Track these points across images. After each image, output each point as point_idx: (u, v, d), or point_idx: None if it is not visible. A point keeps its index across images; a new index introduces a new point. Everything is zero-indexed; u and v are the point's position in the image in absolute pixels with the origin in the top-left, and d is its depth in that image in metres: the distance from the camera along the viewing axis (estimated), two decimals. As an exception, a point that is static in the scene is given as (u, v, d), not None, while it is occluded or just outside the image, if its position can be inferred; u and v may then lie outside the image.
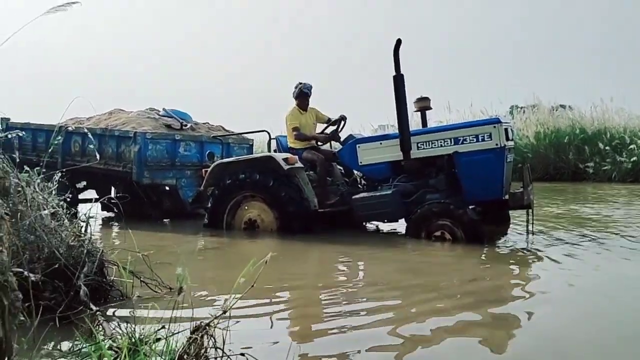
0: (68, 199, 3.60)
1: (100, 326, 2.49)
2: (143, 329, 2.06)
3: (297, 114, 6.55)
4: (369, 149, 5.92)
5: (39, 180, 3.41)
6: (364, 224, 6.49)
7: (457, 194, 5.44)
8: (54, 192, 3.50)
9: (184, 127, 8.32)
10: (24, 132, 7.78)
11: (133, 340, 1.95)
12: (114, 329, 2.40)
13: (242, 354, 1.98)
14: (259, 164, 6.20)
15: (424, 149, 5.58)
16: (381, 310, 3.13)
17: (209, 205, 6.53)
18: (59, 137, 7.60)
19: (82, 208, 4.63)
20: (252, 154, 8.67)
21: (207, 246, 6.01)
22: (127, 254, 3.38)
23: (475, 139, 5.31)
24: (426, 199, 5.44)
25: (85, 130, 6.76)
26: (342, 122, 6.55)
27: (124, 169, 7.81)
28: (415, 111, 6.44)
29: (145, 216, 8.16)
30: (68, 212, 3.41)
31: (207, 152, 8.21)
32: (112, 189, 8.93)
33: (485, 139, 5.26)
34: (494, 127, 5.25)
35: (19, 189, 3.14)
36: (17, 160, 3.45)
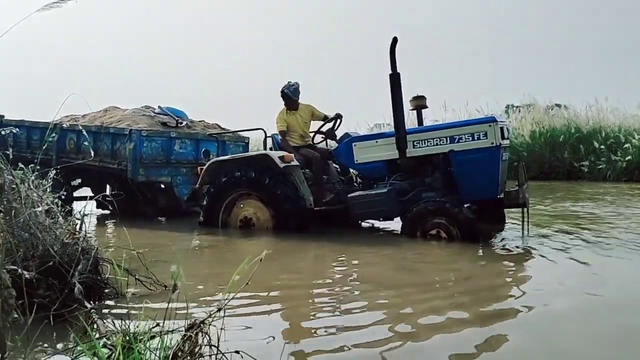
0: (63, 197, 3.59)
1: (95, 324, 2.48)
2: (137, 326, 2.05)
3: (285, 115, 6.52)
4: (364, 148, 5.92)
5: (33, 178, 3.40)
6: (359, 222, 6.49)
7: (452, 192, 5.45)
8: (48, 190, 3.49)
9: (179, 125, 8.29)
10: (18, 129, 7.76)
11: (127, 337, 1.94)
12: (108, 326, 2.39)
13: (237, 352, 1.98)
14: (255, 162, 6.19)
15: (419, 147, 5.59)
16: (376, 309, 3.13)
17: (205, 203, 6.52)
18: (54, 135, 7.56)
19: (77, 206, 4.62)
20: (247, 152, 8.65)
21: (202, 244, 6.00)
22: (122, 252, 3.37)
23: (470, 138, 5.32)
24: (422, 197, 5.45)
25: (80, 128, 6.73)
26: (338, 121, 6.54)
27: (119, 166, 7.79)
28: (411, 109, 6.45)
29: (140, 214, 8.14)
30: (63, 209, 3.39)
31: (202, 150, 8.19)
32: (107, 186, 8.90)
33: (481, 138, 5.27)
34: (490, 125, 5.26)
35: (13, 186, 3.13)
36: (11, 157, 3.43)
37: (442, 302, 3.30)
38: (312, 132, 6.74)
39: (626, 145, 12.49)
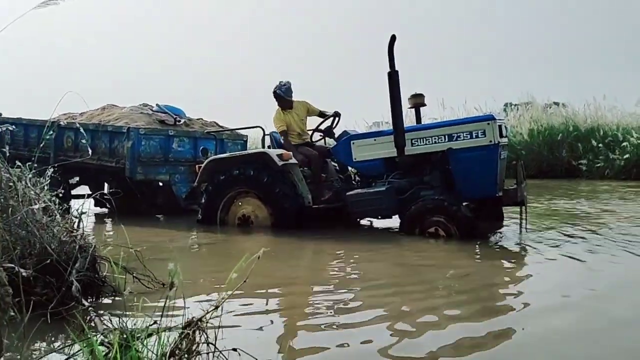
0: (60, 195, 3.58)
1: (92, 322, 2.48)
2: (135, 324, 2.05)
3: (281, 115, 6.50)
4: (363, 146, 5.92)
5: (30, 176, 3.39)
6: (358, 220, 6.49)
7: (451, 190, 5.45)
8: (46, 188, 3.48)
9: (177, 123, 8.28)
10: (14, 126, 7.74)
11: (125, 335, 1.94)
12: (105, 324, 2.38)
13: (234, 349, 1.98)
14: (253, 160, 6.18)
15: (418, 145, 5.58)
16: (374, 306, 3.13)
17: (203, 201, 6.51)
18: (51, 132, 7.56)
19: (75, 204, 4.62)
20: (246, 150, 8.64)
21: (200, 242, 6.00)
22: (119, 250, 3.37)
23: (469, 136, 5.32)
24: (420, 195, 5.45)
25: (78, 126, 6.72)
26: (337, 119, 6.53)
27: (117, 164, 7.78)
28: (410, 108, 6.43)
29: (138, 212, 8.13)
30: (60, 207, 3.39)
31: (200, 148, 8.18)
32: (105, 184, 8.88)
33: (479, 136, 5.27)
34: (488, 124, 5.26)
35: (10, 184, 3.12)
36: (8, 155, 3.43)
37: (440, 299, 3.31)
38: (311, 130, 6.74)
39: (624, 144, 12.49)
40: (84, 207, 3.63)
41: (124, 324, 2.07)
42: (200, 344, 1.94)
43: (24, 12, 3.18)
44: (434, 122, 8.20)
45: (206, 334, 1.96)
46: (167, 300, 2.05)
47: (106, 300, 3.17)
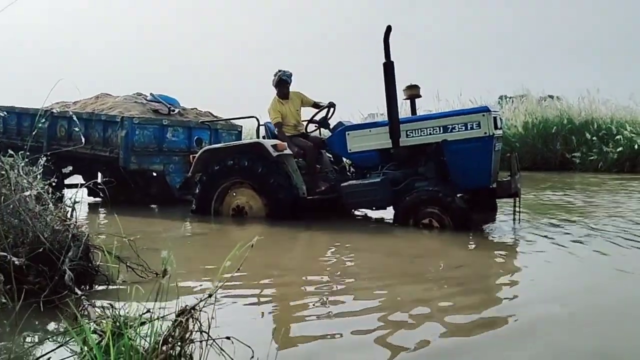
0: (53, 184, 3.56)
1: (85, 310, 2.47)
2: (128, 312, 2.05)
3: (278, 105, 6.47)
4: (358, 137, 5.91)
5: (23, 164, 3.37)
6: (352, 211, 6.50)
7: (445, 182, 5.46)
8: (39, 177, 3.46)
9: (171, 113, 8.24)
10: (5, 113, 7.67)
11: (117, 323, 1.94)
12: (99, 313, 2.38)
13: (228, 338, 1.98)
14: (248, 151, 6.17)
15: (413, 137, 5.58)
16: (368, 297, 3.14)
17: (197, 191, 6.50)
18: (44, 121, 7.51)
19: (68, 193, 4.59)
20: (240, 140, 8.62)
21: (194, 232, 5.99)
22: (113, 239, 3.36)
23: (464, 128, 5.32)
24: (415, 186, 5.45)
25: (71, 114, 6.67)
26: (332, 110, 6.52)
27: (110, 154, 7.74)
28: (405, 99, 6.43)
29: (132, 202, 8.10)
30: (53, 196, 3.37)
31: (195, 138, 8.15)
32: (99, 174, 8.84)
33: (474, 128, 5.27)
34: (483, 115, 5.26)
35: (3, 172, 3.10)
36: (1, 143, 3.40)
37: (433, 290, 3.32)
38: (305, 121, 6.72)
39: (618, 137, 12.56)
40: (77, 196, 3.61)
41: (117, 313, 2.06)
42: (194, 332, 1.94)
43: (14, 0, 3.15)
44: (429, 113, 8.19)
45: (199, 322, 1.96)
46: (160, 288, 2.05)
47: (99, 289, 3.16)
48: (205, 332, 1.95)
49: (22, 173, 3.25)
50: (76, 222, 3.33)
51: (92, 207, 8.10)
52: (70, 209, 3.47)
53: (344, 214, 6.35)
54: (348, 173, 6.51)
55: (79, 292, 2.69)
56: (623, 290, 3.26)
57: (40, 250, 2.88)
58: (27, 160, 3.46)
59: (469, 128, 5.30)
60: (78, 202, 3.60)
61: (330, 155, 6.75)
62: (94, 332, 1.97)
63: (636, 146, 12.16)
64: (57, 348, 2.08)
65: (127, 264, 3.32)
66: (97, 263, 3.28)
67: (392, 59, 5.42)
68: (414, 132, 5.58)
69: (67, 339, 2.12)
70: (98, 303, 2.77)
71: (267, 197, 6.02)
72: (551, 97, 15.73)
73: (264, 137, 6.64)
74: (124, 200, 8.14)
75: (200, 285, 3.35)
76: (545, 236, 4.82)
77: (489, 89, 17.59)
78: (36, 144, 7.69)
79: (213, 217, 6.27)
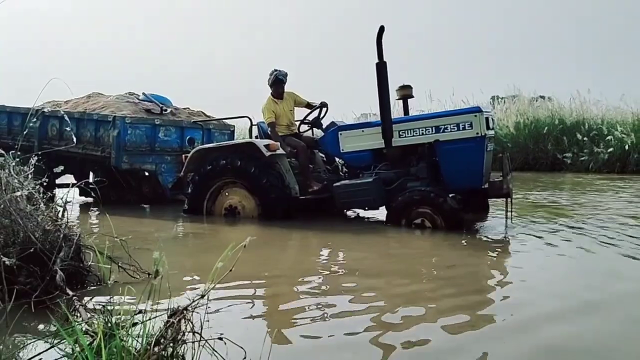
0: (45, 184, 3.54)
1: (77, 311, 2.46)
2: (119, 313, 2.04)
3: (273, 104, 6.47)
4: (350, 137, 5.92)
5: (14, 164, 3.35)
6: (345, 211, 6.51)
7: (437, 182, 5.48)
8: (30, 176, 3.44)
9: (164, 112, 8.22)
10: None
11: (109, 324, 1.93)
12: (90, 313, 2.37)
13: (220, 338, 1.98)
14: (241, 151, 6.16)
15: (405, 137, 5.60)
16: (360, 297, 3.15)
17: (189, 191, 6.48)
18: (35, 120, 7.46)
19: (59, 192, 4.57)
20: (233, 140, 8.60)
21: (186, 232, 5.98)
22: (104, 239, 3.35)
23: (456, 128, 5.34)
24: (407, 186, 5.47)
25: (63, 114, 6.63)
26: (324, 110, 6.52)
27: (102, 153, 7.70)
28: (397, 99, 6.45)
29: (124, 202, 8.07)
30: (44, 196, 3.35)
31: (187, 138, 8.13)
32: (91, 173, 8.80)
33: (466, 128, 5.29)
34: (475, 116, 5.29)
35: (-7, 172, 3.08)
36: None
37: (425, 290, 3.34)
38: (298, 120, 6.72)
39: (608, 137, 12.64)
40: (69, 196, 3.59)
41: (109, 313, 2.06)
42: (186, 333, 1.94)
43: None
44: (421, 114, 8.22)
45: (192, 323, 1.95)
46: (152, 289, 2.04)
47: (91, 290, 3.14)
48: (197, 332, 1.95)
49: (13, 173, 3.23)
50: (67, 222, 3.31)
51: (84, 207, 8.05)
52: (61, 209, 3.45)
53: (337, 214, 6.36)
54: (341, 173, 6.52)
55: (71, 293, 2.67)
56: (615, 289, 3.29)
57: (31, 250, 2.86)
58: (18, 159, 3.43)
59: (461, 128, 5.32)
60: (69, 202, 3.59)
61: (323, 155, 6.75)
62: (86, 332, 1.97)
63: (626, 147, 12.25)
64: (48, 349, 2.07)
65: (119, 265, 3.31)
66: (89, 263, 3.27)
67: (384, 59, 5.43)
68: (406, 132, 5.59)
69: (59, 339, 2.11)
70: (90, 304, 2.76)
71: (259, 197, 6.01)
72: (543, 97, 15.80)
73: (256, 137, 6.64)
74: (116, 200, 8.11)
75: (193, 285, 3.35)
76: (537, 236, 4.85)
77: (481, 89, 17.66)
78: (27, 144, 7.65)
79: (205, 217, 6.26)
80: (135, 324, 1.98)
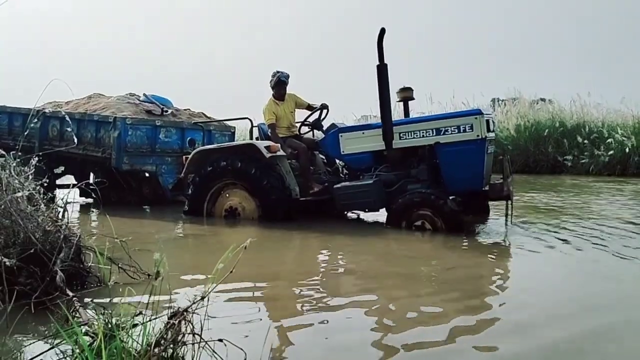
0: (45, 184, 3.54)
1: (77, 312, 2.46)
2: (120, 314, 2.04)
3: (274, 106, 6.48)
4: (351, 139, 5.92)
5: (14, 164, 3.35)
6: (345, 213, 6.51)
7: (438, 184, 5.48)
8: (30, 177, 3.44)
9: (164, 113, 8.22)
10: None
11: (109, 325, 1.93)
12: (90, 314, 2.37)
13: (220, 340, 1.97)
14: (241, 152, 6.16)
15: (406, 139, 5.60)
16: (360, 299, 3.15)
17: (190, 192, 6.48)
18: (36, 120, 7.47)
19: (60, 193, 4.56)
20: (233, 141, 8.60)
21: (186, 233, 5.98)
22: (105, 240, 3.35)
23: (456, 130, 5.34)
24: (407, 189, 5.47)
25: (64, 114, 6.63)
26: (325, 111, 6.53)
27: (103, 154, 7.71)
28: (398, 101, 6.46)
29: (124, 203, 8.07)
30: (45, 197, 3.35)
31: (188, 139, 8.13)
32: (91, 174, 8.80)
33: (467, 130, 5.29)
34: (476, 118, 5.29)
35: (-6, 172, 3.08)
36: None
37: (425, 292, 3.33)
38: (299, 122, 6.73)
39: (609, 140, 12.63)
40: (69, 197, 3.59)
41: (109, 314, 2.06)
42: (186, 335, 1.94)
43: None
44: (422, 116, 8.22)
45: (192, 324, 1.95)
46: (153, 290, 2.04)
47: (91, 291, 3.14)
48: (197, 334, 1.95)
49: (13, 173, 3.24)
50: (68, 222, 3.31)
51: (84, 208, 8.06)
52: (61, 210, 3.45)
53: (337, 215, 6.36)
54: (341, 175, 6.52)
55: (71, 294, 2.67)
56: (613, 292, 3.29)
57: (32, 251, 2.86)
58: (18, 160, 3.44)
59: (461, 130, 5.32)
60: (70, 202, 3.59)
61: (324, 157, 6.76)
62: (86, 334, 1.97)
63: (627, 149, 12.24)
64: (48, 350, 2.07)
65: (119, 265, 3.31)
66: (89, 264, 3.27)
67: (385, 61, 5.43)
68: (407, 134, 5.59)
69: (59, 340, 2.11)
70: (90, 305, 2.76)
71: (260, 199, 6.01)
72: (543, 100, 15.79)
73: (257, 139, 6.64)
74: (116, 201, 8.12)
75: (193, 287, 3.34)
76: (537, 238, 4.85)
77: (482, 92, 17.68)
78: (28, 144, 7.65)
79: (205, 218, 6.26)
80: (135, 325, 1.98)
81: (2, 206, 2.93)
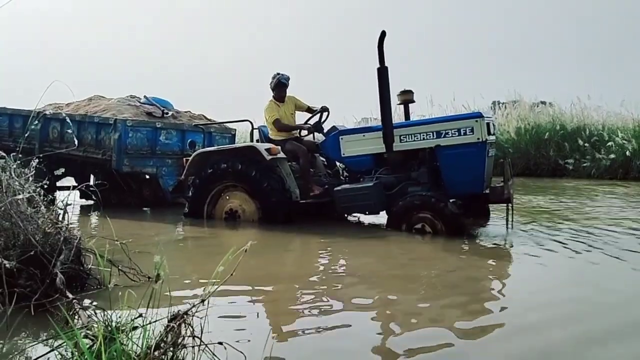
0: (45, 186, 3.54)
1: (77, 314, 2.46)
2: (120, 317, 2.03)
3: (275, 106, 6.49)
4: (352, 141, 5.92)
5: (15, 166, 3.35)
6: (345, 215, 6.50)
7: (438, 187, 5.47)
8: (30, 179, 3.44)
9: (165, 115, 8.23)
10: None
11: (109, 328, 1.92)
12: (90, 317, 2.37)
13: (220, 343, 1.97)
14: (241, 154, 6.16)
15: (406, 141, 5.60)
16: (360, 302, 3.15)
17: (190, 194, 6.48)
18: (36, 122, 7.48)
19: (60, 195, 4.56)
20: (234, 143, 8.61)
21: (187, 235, 5.98)
22: (105, 242, 3.34)
23: (457, 133, 5.34)
24: (408, 191, 5.47)
25: (64, 116, 6.64)
26: (325, 114, 6.53)
27: (103, 156, 7.71)
28: (399, 104, 6.46)
29: (124, 204, 8.07)
30: (45, 199, 3.35)
31: (188, 141, 8.13)
32: (91, 176, 8.80)
33: (467, 133, 5.29)
34: (476, 121, 5.29)
35: (-6, 174, 3.08)
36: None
37: (425, 295, 3.33)
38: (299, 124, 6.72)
39: (609, 143, 12.62)
40: (69, 199, 3.59)
41: (109, 317, 2.05)
42: (186, 338, 1.93)
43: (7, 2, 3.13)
44: (422, 118, 8.23)
45: (192, 327, 1.95)
46: (153, 293, 2.04)
47: (91, 293, 3.14)
48: (197, 337, 1.95)
49: (14, 175, 3.24)
50: (68, 225, 3.31)
51: (84, 210, 8.05)
52: (62, 212, 3.45)
53: (337, 218, 6.36)
54: (341, 177, 6.52)
55: (71, 296, 2.67)
56: (615, 295, 3.28)
57: (32, 253, 2.86)
58: (19, 162, 3.44)
59: (462, 133, 5.32)
60: (70, 204, 3.59)
61: (324, 159, 6.75)
62: (86, 336, 1.96)
63: (627, 153, 12.23)
64: (48, 352, 2.06)
65: (119, 268, 3.30)
66: (89, 266, 3.27)
67: (386, 64, 5.44)
68: (407, 137, 5.59)
69: (59, 343, 2.10)
70: (90, 307, 2.75)
71: (260, 201, 6.01)
72: (544, 103, 15.78)
73: (257, 141, 6.64)
74: (117, 203, 8.12)
75: (193, 290, 3.34)
76: (537, 242, 4.84)
77: (482, 94, 17.72)
78: (28, 146, 7.66)
79: (206, 220, 6.26)
80: (135, 328, 1.98)
81: (2, 208, 2.93)
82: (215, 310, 2.63)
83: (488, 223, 5.88)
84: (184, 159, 6.82)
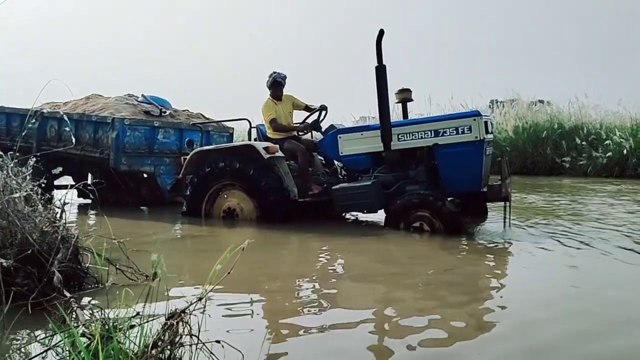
0: (43, 185, 3.53)
1: (74, 313, 2.45)
2: (117, 315, 2.03)
3: (272, 105, 6.48)
4: (350, 140, 5.92)
5: (12, 165, 3.34)
6: (343, 214, 6.50)
7: (436, 185, 5.48)
8: (28, 178, 3.43)
9: (163, 114, 8.21)
10: None
11: (107, 327, 1.92)
12: (87, 316, 2.36)
13: (218, 341, 1.97)
14: (239, 153, 6.15)
15: (404, 140, 5.60)
16: (358, 300, 3.15)
17: (188, 193, 6.48)
18: (34, 121, 7.46)
19: (58, 194, 4.54)
20: (232, 142, 8.60)
21: (184, 234, 5.97)
22: (102, 241, 3.34)
23: (455, 132, 5.34)
24: (406, 190, 5.47)
25: (62, 115, 6.62)
26: (324, 112, 6.52)
27: (101, 155, 7.69)
28: (397, 102, 6.46)
29: (122, 203, 8.06)
30: (42, 197, 3.34)
31: (186, 140, 8.12)
32: (89, 175, 8.78)
33: (465, 132, 5.30)
34: (474, 119, 5.29)
35: (-9, 173, 3.07)
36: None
37: (423, 294, 3.34)
38: (297, 123, 6.72)
39: (607, 142, 12.65)
40: (67, 198, 3.58)
41: (106, 315, 2.05)
42: (184, 336, 1.93)
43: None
44: (420, 117, 8.22)
45: (189, 325, 1.95)
46: (150, 291, 2.04)
47: (88, 292, 3.13)
48: (195, 335, 1.94)
49: (11, 174, 3.23)
50: (65, 223, 3.31)
51: (82, 209, 8.04)
52: (59, 211, 3.44)
53: (335, 217, 6.36)
54: (340, 176, 6.51)
55: (68, 295, 2.66)
56: (613, 294, 3.29)
57: (29, 251, 2.86)
58: (16, 160, 3.43)
59: (460, 132, 5.32)
60: (67, 203, 3.58)
61: (322, 158, 6.75)
62: (83, 335, 1.96)
63: (625, 151, 12.26)
64: (45, 351, 2.06)
65: (117, 267, 3.30)
66: (87, 265, 3.26)
67: (384, 62, 5.44)
68: (405, 135, 5.59)
69: (56, 342, 2.10)
70: (87, 306, 2.75)
71: (258, 200, 6.01)
72: (541, 101, 15.80)
73: (255, 140, 6.64)
74: (114, 201, 8.10)
75: (191, 288, 3.34)
76: (535, 240, 4.85)
77: (480, 93, 17.73)
78: (26, 145, 7.64)
79: (204, 219, 6.26)
80: (132, 327, 1.97)
81: (0, 207, 2.92)
82: (212, 308, 2.64)
83: (486, 221, 5.89)
84: (182, 157, 6.81)
